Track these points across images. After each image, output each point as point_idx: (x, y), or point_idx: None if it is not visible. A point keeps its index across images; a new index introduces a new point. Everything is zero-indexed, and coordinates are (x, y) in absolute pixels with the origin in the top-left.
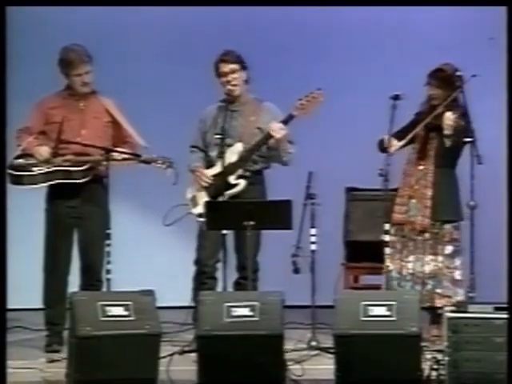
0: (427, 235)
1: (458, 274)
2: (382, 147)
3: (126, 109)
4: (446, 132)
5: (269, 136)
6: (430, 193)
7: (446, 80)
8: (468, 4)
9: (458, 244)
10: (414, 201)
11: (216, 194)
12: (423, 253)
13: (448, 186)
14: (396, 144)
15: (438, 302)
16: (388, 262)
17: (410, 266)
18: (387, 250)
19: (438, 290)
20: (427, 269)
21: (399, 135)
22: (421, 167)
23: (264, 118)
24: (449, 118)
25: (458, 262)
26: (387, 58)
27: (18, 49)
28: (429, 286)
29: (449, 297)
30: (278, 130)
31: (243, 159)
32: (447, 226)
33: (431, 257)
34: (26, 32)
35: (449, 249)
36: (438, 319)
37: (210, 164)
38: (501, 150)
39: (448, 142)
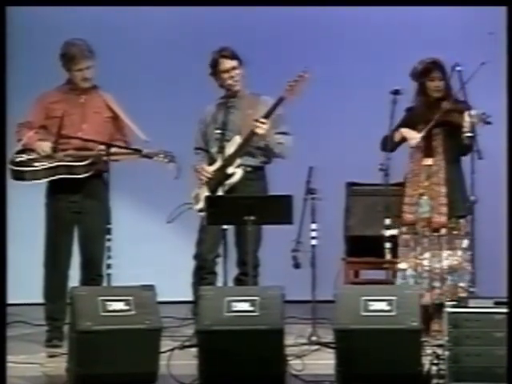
0: (443, 231)
1: (471, 267)
2: (387, 145)
3: (127, 105)
4: (466, 131)
5: (252, 133)
6: (443, 190)
7: (444, 71)
8: (468, 4)
9: (470, 238)
10: (425, 197)
11: (216, 187)
12: (440, 249)
13: (460, 182)
14: (416, 136)
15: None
16: (401, 260)
17: (425, 262)
18: (401, 249)
19: (462, 284)
20: (445, 264)
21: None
22: (429, 163)
23: (261, 111)
24: (469, 116)
25: (470, 255)
26: (387, 54)
27: (19, 45)
28: (449, 282)
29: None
30: (259, 125)
31: (240, 149)
32: (462, 221)
33: (449, 252)
34: (27, 28)
35: (465, 242)
36: (438, 314)
37: (212, 161)
38: (501, 144)
39: (467, 141)
